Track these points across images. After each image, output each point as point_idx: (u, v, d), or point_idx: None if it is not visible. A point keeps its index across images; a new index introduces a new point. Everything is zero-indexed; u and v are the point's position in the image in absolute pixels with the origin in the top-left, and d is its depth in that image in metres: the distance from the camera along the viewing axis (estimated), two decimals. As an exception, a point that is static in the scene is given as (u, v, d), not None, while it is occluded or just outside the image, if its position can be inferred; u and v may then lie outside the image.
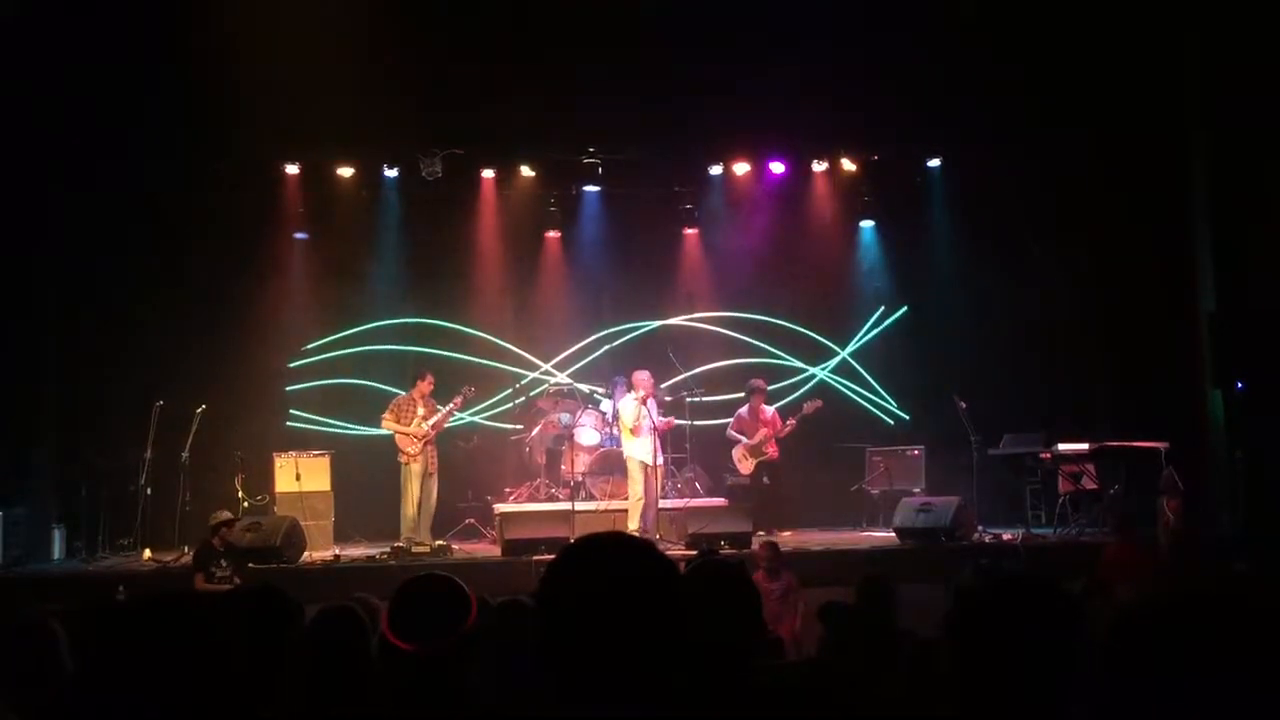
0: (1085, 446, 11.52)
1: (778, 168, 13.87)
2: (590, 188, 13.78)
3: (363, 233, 13.47)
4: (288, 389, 13.30)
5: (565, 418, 12.80)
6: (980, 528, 11.15)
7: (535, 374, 13.89)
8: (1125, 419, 12.11)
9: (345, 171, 13.25)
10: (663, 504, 11.50)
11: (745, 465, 12.41)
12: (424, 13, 11.68)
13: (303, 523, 11.12)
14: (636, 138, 12.92)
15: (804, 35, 11.66)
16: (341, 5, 10.92)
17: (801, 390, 13.92)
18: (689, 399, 12.60)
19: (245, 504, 11.58)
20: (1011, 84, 12.05)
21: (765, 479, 12.34)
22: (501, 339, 13.88)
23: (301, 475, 11.97)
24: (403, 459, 11.22)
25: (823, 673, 3.83)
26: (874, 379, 14.25)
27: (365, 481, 12.23)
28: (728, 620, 2.73)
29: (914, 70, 11.92)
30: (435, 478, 11.37)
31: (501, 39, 11.86)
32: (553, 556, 1.86)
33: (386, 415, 11.33)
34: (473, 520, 12.34)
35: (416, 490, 11.16)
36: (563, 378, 13.76)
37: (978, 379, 12.56)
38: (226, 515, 9.93)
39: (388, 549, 10.93)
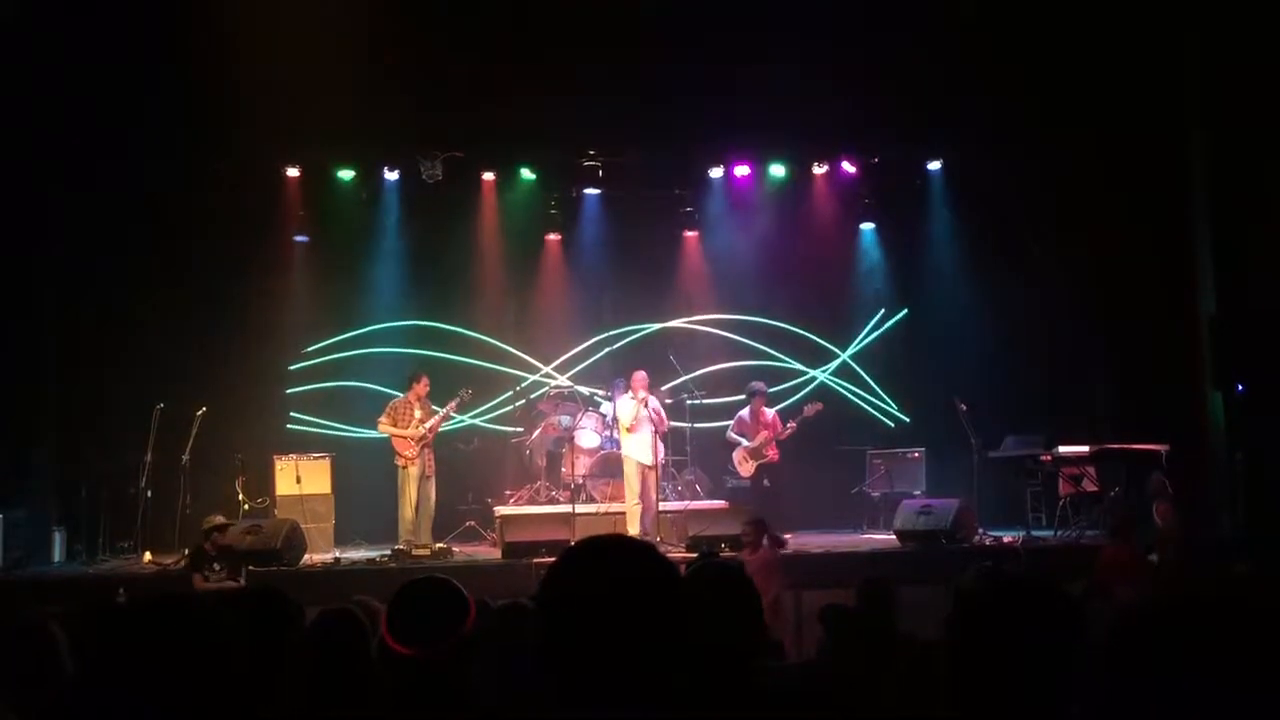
0: (1086, 449, 11.52)
1: (778, 170, 13.88)
2: (590, 190, 13.79)
3: (363, 235, 13.48)
4: (288, 391, 13.31)
5: (565, 420, 12.80)
6: (981, 530, 11.14)
7: (535, 376, 13.88)
8: (1126, 421, 12.11)
9: (346, 174, 13.26)
10: (663, 506, 11.49)
11: (746, 468, 12.40)
12: (424, 15, 11.68)
13: (303, 525, 11.10)
14: (637, 140, 12.94)
15: (804, 38, 11.66)
16: (342, 7, 10.92)
17: (802, 393, 13.92)
18: (689, 401, 12.60)
19: (245, 506, 11.58)
20: (1012, 84, 12.05)
21: (766, 481, 12.32)
22: (502, 341, 13.88)
23: (302, 478, 11.97)
24: (400, 462, 11.21)
25: (823, 675, 3.83)
26: (874, 381, 14.26)
27: (365, 484, 12.21)
28: (728, 622, 2.73)
29: (914, 72, 11.92)
30: (433, 480, 11.35)
31: (502, 41, 11.86)
32: (553, 559, 1.86)
33: (383, 418, 11.31)
34: (473, 523, 12.34)
35: (414, 493, 11.14)
36: (563, 380, 13.76)
37: (978, 381, 12.56)
38: (219, 520, 9.93)
39: (388, 552, 10.93)
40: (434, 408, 11.40)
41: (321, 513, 11.99)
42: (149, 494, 11.25)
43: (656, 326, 14.08)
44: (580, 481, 12.40)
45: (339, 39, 10.86)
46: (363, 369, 13.37)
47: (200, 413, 11.41)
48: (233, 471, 11.75)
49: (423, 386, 11.39)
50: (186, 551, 10.41)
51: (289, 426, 13.11)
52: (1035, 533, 11.47)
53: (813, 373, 14.25)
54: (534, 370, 13.93)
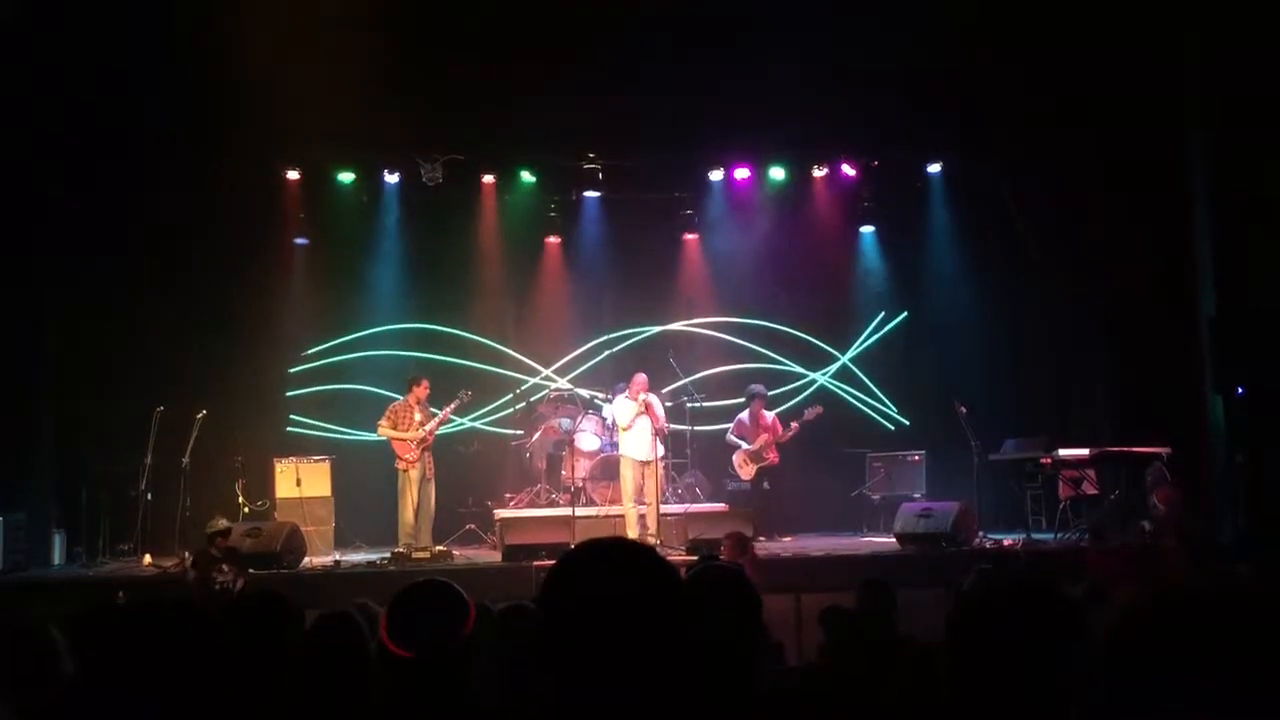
0: (1086, 452, 11.51)
1: (778, 173, 13.88)
2: (590, 193, 13.79)
3: (363, 238, 13.48)
4: (288, 394, 13.31)
5: (566, 423, 12.79)
6: (981, 533, 11.13)
7: (536, 379, 13.88)
8: (1126, 423, 12.11)
9: (346, 176, 13.27)
10: (663, 509, 11.47)
11: (746, 470, 12.40)
12: (425, 18, 11.68)
13: (303, 528, 11.09)
14: (637, 143, 12.93)
15: (804, 41, 11.66)
16: (342, 10, 10.93)
17: (802, 395, 13.92)
18: (689, 404, 12.60)
19: (245, 509, 11.58)
20: (1012, 85, 12.05)
21: (766, 484, 12.33)
22: (502, 344, 13.89)
23: (302, 480, 11.97)
24: (400, 465, 11.20)
25: (823, 677, 3.83)
26: (874, 384, 14.26)
27: (366, 487, 12.21)
28: (728, 625, 2.73)
29: (914, 74, 11.92)
30: (433, 483, 11.35)
31: (502, 43, 11.86)
32: (553, 562, 1.86)
33: (383, 421, 11.30)
34: (473, 526, 12.34)
35: (414, 496, 11.14)
36: (563, 383, 13.76)
37: (978, 384, 12.57)
38: (223, 524, 9.91)
39: (388, 554, 10.93)
40: (433, 410, 11.40)
41: (321, 515, 12.00)
42: (149, 496, 11.25)
43: (656, 329, 14.08)
44: (580, 484, 12.40)
45: (339, 41, 10.87)
46: (363, 372, 13.38)
47: (200, 415, 11.40)
48: (233, 474, 11.75)
49: (423, 389, 11.38)
50: (187, 554, 10.40)
51: (289, 429, 13.12)
52: (1035, 536, 11.46)
53: (813, 375, 14.25)
54: (534, 373, 13.93)
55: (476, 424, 13.48)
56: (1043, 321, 13.31)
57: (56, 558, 11.50)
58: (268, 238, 13.02)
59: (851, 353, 14.33)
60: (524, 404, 13.37)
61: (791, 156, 13.77)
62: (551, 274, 14.10)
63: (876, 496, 12.98)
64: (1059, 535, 11.49)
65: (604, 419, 12.76)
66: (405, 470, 11.17)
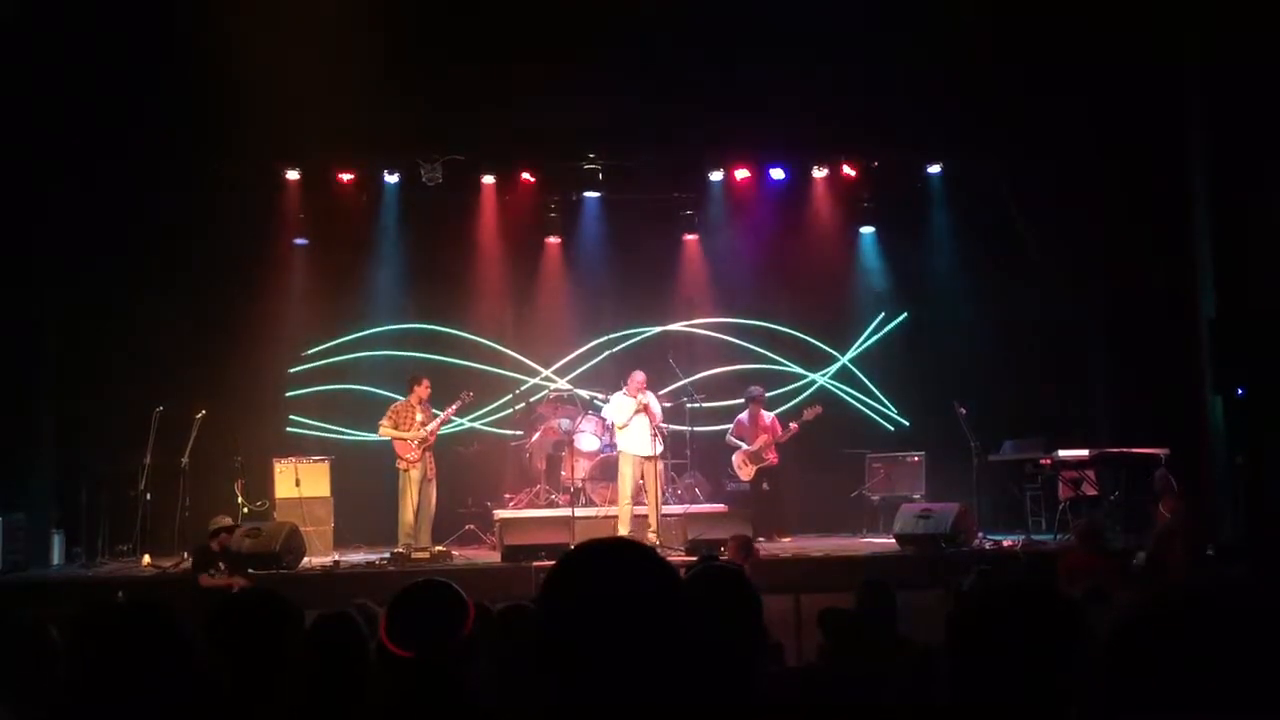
0: (1085, 453, 11.51)
1: (778, 174, 13.88)
2: (591, 193, 13.79)
3: (363, 238, 13.47)
4: (288, 394, 13.30)
5: (565, 423, 12.79)
6: (980, 534, 11.14)
7: (535, 380, 13.88)
8: (1126, 425, 12.11)
9: (346, 176, 13.26)
10: (662, 510, 11.45)
11: (745, 471, 12.40)
12: (425, 18, 11.68)
13: (302, 528, 11.09)
14: (637, 143, 12.93)
15: (804, 41, 11.66)
16: (342, 10, 10.93)
17: (802, 396, 13.92)
18: (689, 405, 12.60)
19: (245, 509, 11.57)
20: (1011, 86, 12.05)
21: (765, 485, 12.33)
22: (501, 344, 13.88)
23: (301, 481, 11.98)
24: (401, 465, 11.20)
25: (822, 678, 3.83)
26: (874, 385, 14.25)
27: (365, 487, 12.22)
28: (728, 626, 2.73)
29: (914, 75, 11.92)
30: (434, 483, 11.34)
31: (502, 44, 11.86)
32: (553, 562, 1.86)
33: (384, 421, 11.30)
34: (473, 526, 12.34)
35: (415, 496, 11.13)
36: (563, 383, 13.76)
37: (978, 385, 12.56)
38: (226, 521, 9.92)
39: (387, 555, 10.93)
40: (435, 411, 11.40)
41: (321, 516, 12.00)
42: (148, 497, 11.25)
43: (656, 330, 14.08)
44: (580, 484, 12.41)
45: (340, 44, 10.86)
46: (362, 372, 13.38)
47: (200, 415, 11.41)
48: (232, 474, 11.75)
49: (424, 389, 11.38)
50: (187, 554, 10.41)
51: (288, 429, 13.12)
52: (1035, 537, 11.46)
53: (812, 376, 14.24)
54: (534, 373, 13.93)
55: (476, 424, 13.47)
56: (1043, 322, 13.29)
57: (56, 558, 11.50)
58: (267, 238, 13.02)
59: (851, 353, 14.33)
60: (524, 404, 13.37)
61: (792, 157, 13.77)
62: (551, 274, 14.09)
63: (876, 497, 12.98)
64: (1058, 536, 11.49)
65: (604, 419, 12.76)
66: (406, 470, 11.16)
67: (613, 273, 13.92)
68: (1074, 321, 13.32)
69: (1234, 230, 11.61)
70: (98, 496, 11.54)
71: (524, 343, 13.98)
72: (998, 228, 13.26)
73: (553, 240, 13.96)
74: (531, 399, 13.52)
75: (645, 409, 11.26)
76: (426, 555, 10.93)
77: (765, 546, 10.68)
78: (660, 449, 11.40)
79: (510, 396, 13.46)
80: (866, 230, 14.24)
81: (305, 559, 10.78)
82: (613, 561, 1.80)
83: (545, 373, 13.97)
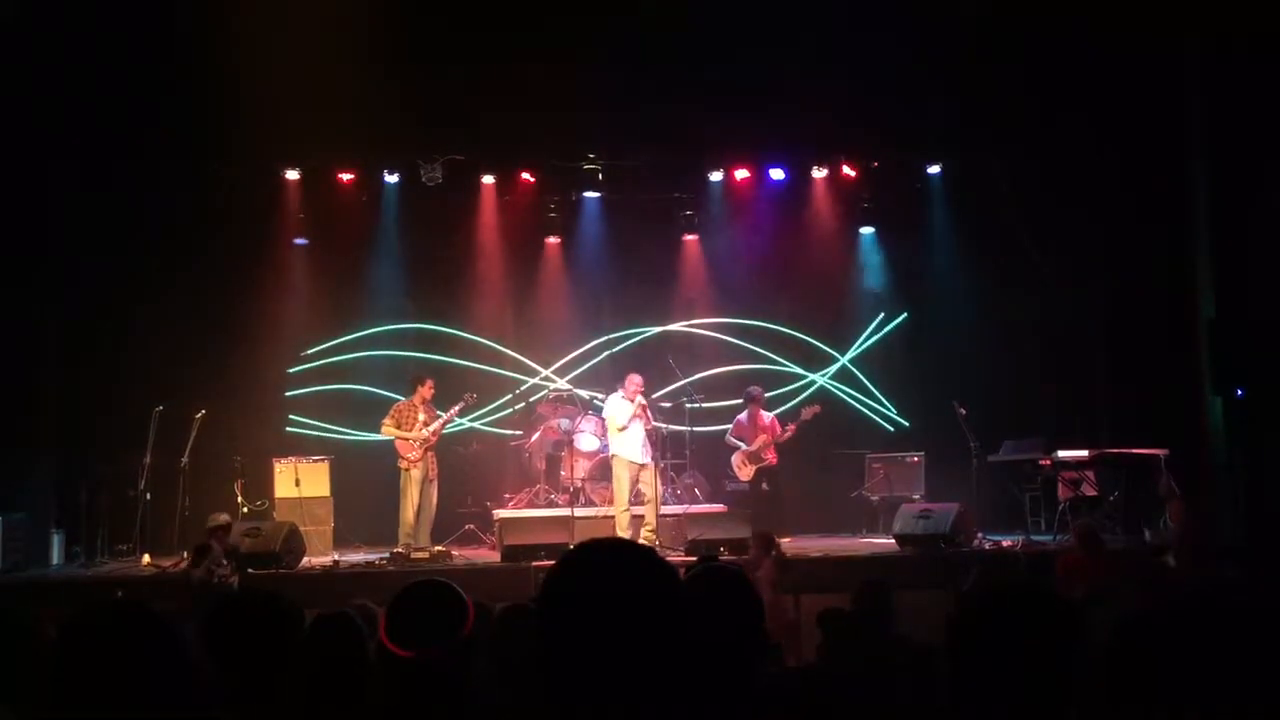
0: (1085, 453, 11.51)
1: (778, 174, 13.88)
2: (590, 193, 13.78)
3: (363, 238, 13.47)
4: (287, 394, 13.30)
5: (565, 423, 12.79)
6: (980, 534, 11.14)
7: (535, 379, 13.88)
8: (1125, 425, 12.11)
9: (346, 176, 13.26)
10: (662, 510, 11.46)
11: (745, 471, 12.39)
12: (424, 18, 11.68)
13: (302, 528, 11.10)
14: (637, 143, 12.93)
15: (804, 41, 11.66)
16: (342, 11, 10.92)
17: (802, 396, 13.91)
18: (688, 405, 12.60)
19: (244, 509, 11.58)
20: (1011, 86, 12.05)
21: (765, 485, 12.32)
22: (501, 344, 13.87)
23: (301, 480, 11.97)
24: (403, 465, 11.20)
25: (822, 678, 3.82)
26: (874, 385, 14.25)
27: (364, 487, 12.23)
28: (727, 626, 2.73)
29: (914, 75, 11.92)
30: (435, 484, 11.35)
31: (502, 44, 11.86)
32: (552, 562, 1.86)
33: (387, 421, 11.31)
34: (472, 526, 12.33)
35: (416, 496, 11.13)
36: (563, 383, 13.76)
37: (977, 385, 12.55)
38: (225, 519, 9.92)
39: (387, 554, 10.92)
40: (438, 412, 11.41)
41: (320, 515, 12.00)
42: (148, 496, 11.26)
43: (656, 330, 14.07)
44: (579, 484, 12.41)
45: (340, 44, 10.86)
46: (362, 372, 13.37)
47: (200, 415, 11.42)
48: (232, 474, 11.75)
49: (427, 390, 11.39)
50: (186, 554, 10.39)
51: (288, 429, 13.11)
52: (1034, 537, 11.46)
53: (812, 377, 14.24)
54: (533, 373, 13.93)
55: (476, 424, 13.47)
56: (1043, 322, 13.29)
57: (55, 558, 11.50)
58: (267, 238, 13.02)
59: (851, 354, 14.33)
60: (523, 404, 13.38)
61: (791, 157, 13.77)
62: (551, 274, 14.09)
63: (875, 497, 12.97)
64: (1058, 537, 11.48)
65: (603, 420, 12.76)
66: (407, 469, 11.17)
67: (612, 273, 13.92)
68: (1074, 321, 13.32)
69: (1234, 230, 11.61)
70: (98, 496, 11.53)
71: (524, 343, 13.98)
72: (998, 228, 13.26)
73: (552, 240, 13.95)
74: (531, 399, 13.53)
75: (644, 410, 11.25)
76: (426, 555, 10.93)
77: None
78: (650, 455, 11.35)
79: (510, 396, 13.46)
80: (866, 230, 14.24)
81: (305, 559, 10.79)
82: (612, 562, 1.80)
83: (545, 373, 13.97)
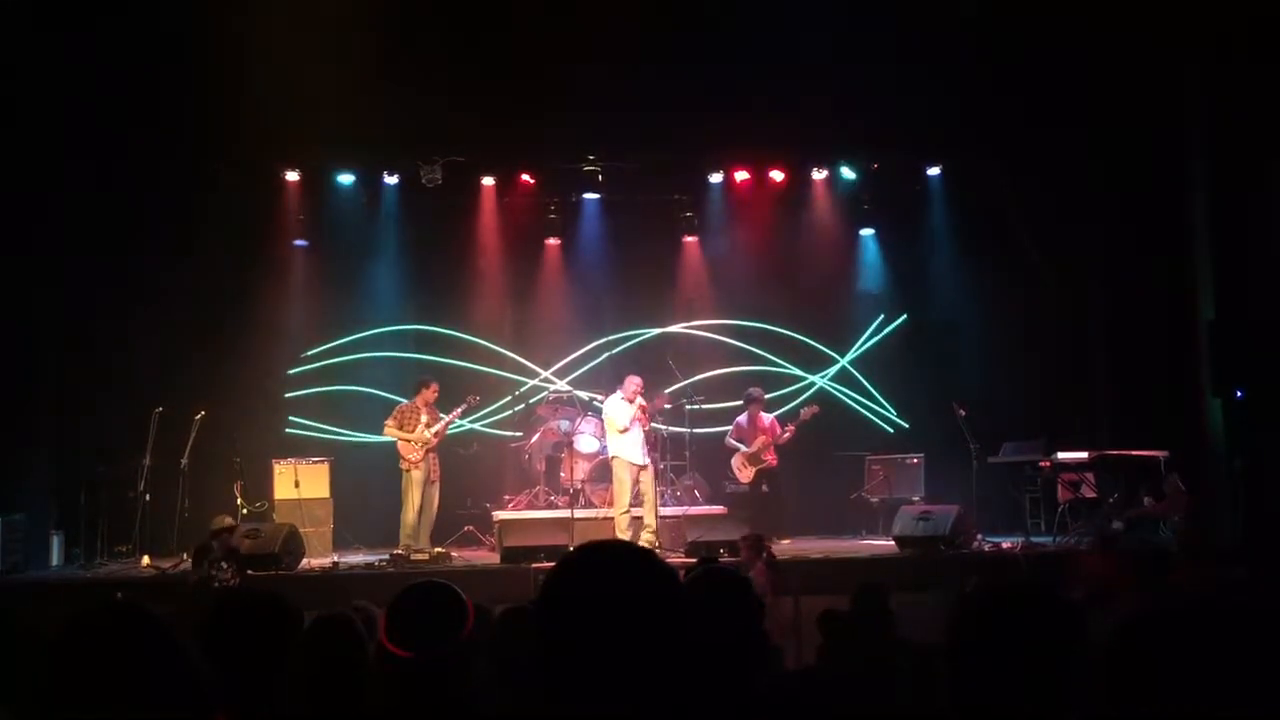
0: (1085, 455, 11.50)
1: (777, 176, 13.88)
2: (590, 195, 13.78)
3: (363, 239, 13.48)
4: (287, 395, 13.30)
5: (564, 425, 12.79)
6: (980, 536, 11.13)
7: (535, 381, 13.88)
8: (1125, 427, 12.10)
9: (345, 178, 13.26)
10: (662, 512, 11.46)
11: (744, 473, 12.39)
12: (424, 20, 11.68)
13: (301, 529, 11.10)
14: (637, 145, 12.91)
15: (804, 43, 11.66)
16: (342, 10, 10.93)
17: (802, 398, 13.91)
18: (688, 407, 12.59)
19: (244, 510, 11.57)
20: (1011, 87, 12.05)
21: (764, 487, 12.32)
22: (501, 346, 13.88)
23: (300, 482, 11.97)
24: (404, 466, 11.21)
25: (822, 680, 3.82)
26: (873, 387, 14.24)
27: (364, 488, 12.24)
28: (727, 628, 2.73)
29: (913, 77, 11.91)
30: (437, 485, 11.37)
31: (501, 46, 11.86)
32: (552, 564, 1.85)
33: (389, 422, 11.32)
34: (472, 528, 12.34)
35: (418, 497, 11.14)
36: (562, 385, 13.75)
37: (977, 386, 12.56)
38: (229, 521, 9.93)
39: (387, 556, 10.92)
40: (440, 414, 11.41)
41: (320, 517, 12.00)
42: (147, 498, 11.26)
43: (656, 331, 14.07)
44: (579, 486, 12.40)
45: (340, 46, 10.87)
46: (362, 373, 13.38)
47: (199, 416, 11.42)
48: (231, 475, 11.74)
49: (431, 392, 11.41)
50: (186, 555, 10.40)
51: (288, 430, 13.11)
52: (1034, 539, 11.45)
53: (812, 378, 14.24)
54: (533, 375, 13.93)
55: (475, 426, 13.46)
56: (1042, 323, 13.30)
57: (55, 559, 11.51)
58: (267, 239, 13.03)
59: (850, 355, 14.32)
60: (523, 406, 13.38)
61: (791, 158, 13.76)
62: (551, 276, 14.09)
63: (875, 499, 12.97)
64: (1058, 538, 11.49)
65: (603, 421, 12.76)
66: (409, 471, 11.18)
67: (612, 274, 13.91)
68: (1073, 322, 13.32)
69: (1234, 230, 11.61)
70: (97, 497, 11.54)
71: (523, 344, 13.98)
72: (998, 228, 13.26)
73: (552, 242, 13.95)
74: (531, 400, 13.53)
75: (643, 412, 11.25)
76: (426, 556, 10.93)
77: (765, 548, 10.66)
78: (647, 458, 11.34)
79: (510, 398, 13.46)
80: (866, 232, 14.24)
81: (304, 560, 10.79)
82: (612, 563, 1.80)
83: (544, 374, 13.97)
